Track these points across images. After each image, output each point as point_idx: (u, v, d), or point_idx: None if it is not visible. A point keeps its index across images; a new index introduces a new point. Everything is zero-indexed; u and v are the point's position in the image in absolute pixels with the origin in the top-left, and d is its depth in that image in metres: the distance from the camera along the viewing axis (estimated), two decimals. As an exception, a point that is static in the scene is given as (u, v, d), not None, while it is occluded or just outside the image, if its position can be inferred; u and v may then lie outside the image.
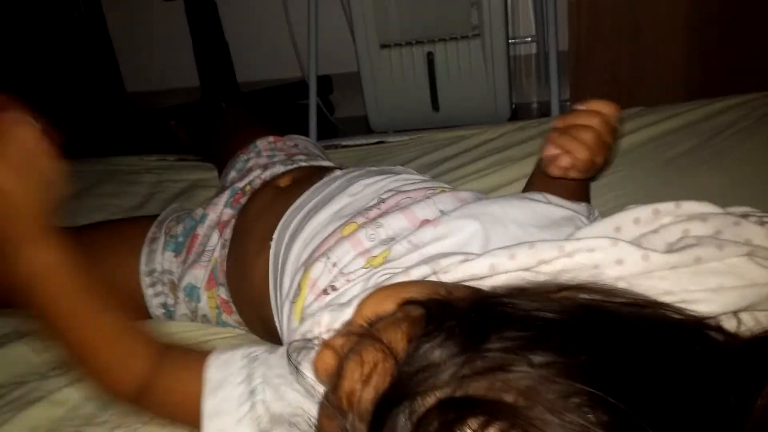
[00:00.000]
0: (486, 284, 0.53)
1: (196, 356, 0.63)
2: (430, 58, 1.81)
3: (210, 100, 2.24)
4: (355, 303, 0.55)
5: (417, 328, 0.41)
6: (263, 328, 0.81)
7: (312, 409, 0.57)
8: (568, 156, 0.68)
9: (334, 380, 0.42)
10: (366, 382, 0.40)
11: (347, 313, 0.56)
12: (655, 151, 1.16)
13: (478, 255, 0.57)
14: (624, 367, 0.36)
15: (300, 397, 0.58)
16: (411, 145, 1.39)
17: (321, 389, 0.57)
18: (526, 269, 0.54)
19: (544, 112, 2.30)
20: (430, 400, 0.36)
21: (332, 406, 0.40)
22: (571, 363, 0.36)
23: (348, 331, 0.47)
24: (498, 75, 1.80)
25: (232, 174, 1.06)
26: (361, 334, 0.44)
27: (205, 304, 0.89)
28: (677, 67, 1.72)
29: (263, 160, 1.04)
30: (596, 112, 0.70)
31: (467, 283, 0.53)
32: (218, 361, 0.62)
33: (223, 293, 0.88)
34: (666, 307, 0.44)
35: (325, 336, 0.56)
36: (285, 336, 0.70)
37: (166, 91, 2.49)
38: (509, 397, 0.35)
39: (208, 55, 2.23)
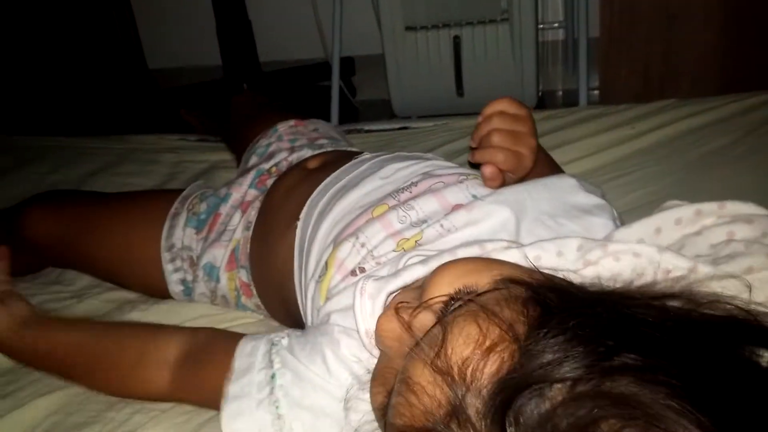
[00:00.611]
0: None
1: (230, 345, 0.65)
2: (456, 42, 1.77)
3: (232, 79, 2.22)
4: (405, 274, 0.55)
5: (533, 313, 0.40)
6: (285, 310, 0.81)
7: (336, 390, 0.57)
8: (489, 167, 0.68)
9: (435, 344, 0.41)
10: (485, 356, 0.38)
11: (394, 284, 0.54)
12: (690, 145, 1.13)
13: (523, 245, 0.56)
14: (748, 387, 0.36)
15: (320, 380, 0.59)
16: (436, 131, 1.37)
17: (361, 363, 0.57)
18: (572, 270, 0.52)
19: (569, 100, 2.26)
20: (562, 392, 0.35)
21: (441, 371, 0.39)
22: (698, 378, 0.35)
23: (446, 295, 0.46)
24: (526, 61, 1.76)
25: (254, 159, 1.05)
26: (469, 303, 0.42)
27: (224, 285, 0.88)
28: (711, 58, 1.67)
29: (286, 144, 1.03)
30: (491, 114, 0.69)
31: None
32: (245, 350, 0.64)
33: (243, 276, 0.87)
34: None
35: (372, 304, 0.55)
36: (309, 316, 0.70)
37: (187, 68, 2.47)
38: (645, 401, 0.34)
39: (231, 33, 2.21)
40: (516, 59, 1.77)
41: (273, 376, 0.61)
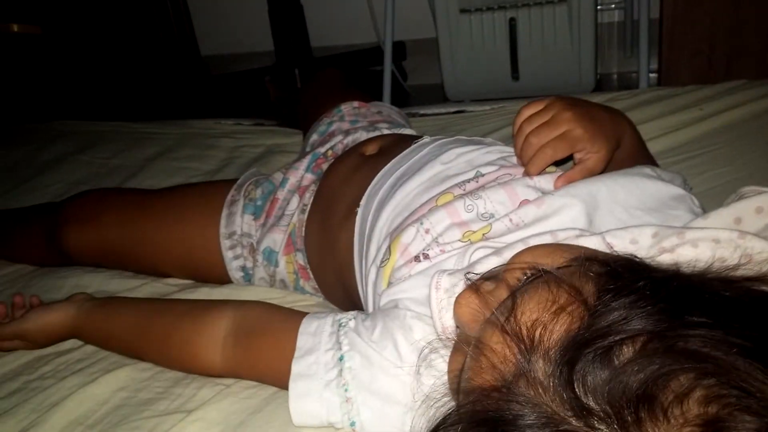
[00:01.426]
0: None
1: (289, 323, 0.66)
2: (512, 24, 1.74)
3: (283, 64, 2.23)
4: (478, 268, 0.54)
5: (604, 282, 0.40)
6: (343, 293, 0.81)
7: (406, 377, 0.57)
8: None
9: (506, 311, 0.41)
10: (554, 318, 0.38)
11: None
12: (762, 127, 1.09)
13: (595, 233, 0.54)
14: None
15: (390, 366, 0.58)
16: (492, 115, 1.35)
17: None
18: (648, 257, 0.50)
19: (625, 83, 2.20)
20: (631, 349, 0.35)
21: (511, 332, 0.39)
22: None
23: (524, 264, 0.46)
24: (584, 43, 1.72)
25: (314, 137, 1.05)
26: (542, 274, 0.43)
27: (283, 269, 0.89)
28: (781, 37, 1.59)
29: (345, 125, 1.03)
30: (519, 126, 0.69)
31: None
32: (309, 329, 0.64)
33: (300, 259, 0.87)
34: None
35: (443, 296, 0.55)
36: (370, 301, 0.70)
37: (240, 54, 2.49)
38: (718, 357, 0.34)
39: (283, 19, 2.21)
40: (574, 41, 1.73)
41: (341, 358, 0.61)
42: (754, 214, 0.53)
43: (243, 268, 0.92)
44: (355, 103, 1.07)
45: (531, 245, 0.51)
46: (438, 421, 0.42)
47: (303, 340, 0.63)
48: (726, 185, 0.95)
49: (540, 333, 0.38)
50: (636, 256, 0.46)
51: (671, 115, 1.16)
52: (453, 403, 0.45)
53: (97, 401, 0.72)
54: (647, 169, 0.66)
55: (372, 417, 0.59)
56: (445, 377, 0.50)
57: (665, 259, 0.50)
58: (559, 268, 0.44)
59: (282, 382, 0.64)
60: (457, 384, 0.45)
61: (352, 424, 0.60)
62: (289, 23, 2.22)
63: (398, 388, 0.58)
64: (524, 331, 0.39)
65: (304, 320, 0.65)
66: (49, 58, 2.29)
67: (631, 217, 0.61)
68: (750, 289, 0.40)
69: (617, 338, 0.35)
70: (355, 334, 0.61)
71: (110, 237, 0.96)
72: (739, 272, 0.43)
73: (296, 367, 0.62)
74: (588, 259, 0.44)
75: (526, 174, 0.68)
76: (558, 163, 0.70)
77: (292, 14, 2.22)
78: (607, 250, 0.51)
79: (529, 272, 0.45)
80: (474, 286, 0.48)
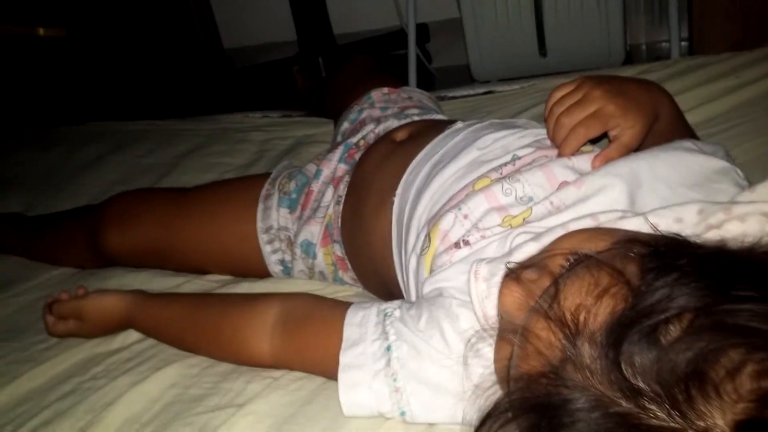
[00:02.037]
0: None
1: (335, 314, 0.66)
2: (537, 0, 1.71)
3: (307, 53, 2.23)
4: (516, 254, 0.54)
5: (648, 263, 0.40)
6: (381, 283, 0.81)
7: (454, 366, 0.57)
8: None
9: (549, 298, 0.41)
10: (597, 301, 0.39)
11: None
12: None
13: (638, 213, 0.54)
14: None
15: (438, 355, 0.59)
16: (522, 94, 1.33)
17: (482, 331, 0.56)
18: (694, 234, 0.50)
19: (655, 53, 2.15)
20: (678, 327, 0.35)
21: (555, 318, 0.39)
22: None
23: (566, 251, 0.46)
24: (612, 14, 1.68)
25: (345, 125, 1.05)
26: (584, 258, 0.43)
27: (321, 261, 0.89)
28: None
29: (376, 112, 1.03)
30: (550, 109, 0.68)
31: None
32: (355, 320, 0.64)
33: (338, 250, 0.88)
34: None
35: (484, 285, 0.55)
36: (412, 289, 0.70)
37: (262, 45, 2.49)
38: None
39: (305, 7, 2.21)
40: (601, 13, 1.70)
41: (388, 348, 0.61)
42: None
43: (282, 262, 0.92)
44: (385, 90, 1.07)
45: (570, 230, 0.51)
46: (489, 409, 0.42)
47: (349, 330, 0.64)
48: (766, 155, 0.93)
49: (584, 317, 0.38)
50: (679, 235, 0.45)
51: (706, 85, 1.14)
52: (502, 392, 0.45)
53: (150, 399, 0.74)
54: (688, 143, 0.64)
55: (422, 406, 0.59)
56: (493, 366, 0.50)
57: (712, 235, 0.49)
58: (600, 252, 0.44)
59: (329, 372, 0.65)
60: (505, 372, 0.45)
61: (403, 413, 0.60)
62: (310, 12, 2.22)
63: (447, 376, 0.58)
64: (568, 316, 0.39)
65: (349, 311, 0.66)
66: (76, 59, 2.32)
67: (674, 193, 0.60)
68: None
69: (663, 317, 0.35)
70: (401, 324, 0.62)
71: (149, 237, 0.97)
72: None
73: (344, 359, 0.62)
74: (629, 240, 0.43)
75: (561, 155, 0.67)
76: (594, 142, 0.69)
77: (313, 2, 2.21)
78: (651, 231, 0.50)
79: (570, 258, 0.45)
80: (515, 276, 0.48)
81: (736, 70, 1.16)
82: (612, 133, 0.66)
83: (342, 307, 0.68)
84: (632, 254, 0.41)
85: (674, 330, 0.35)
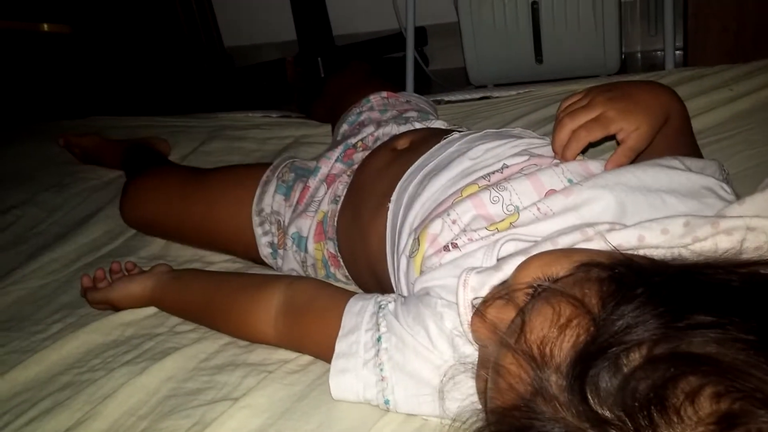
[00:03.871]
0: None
1: (336, 302, 0.69)
2: (534, 7, 1.73)
3: (306, 53, 2.24)
4: (506, 267, 0.55)
5: (606, 289, 0.41)
6: (376, 283, 0.82)
7: (439, 362, 0.59)
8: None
9: (516, 331, 0.43)
10: (561, 333, 0.40)
11: (496, 277, 0.55)
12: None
13: (626, 225, 0.55)
14: None
15: (423, 350, 0.61)
16: (518, 100, 1.34)
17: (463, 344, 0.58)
18: (680, 246, 0.51)
19: (649, 62, 2.18)
20: (637, 356, 0.36)
21: (522, 353, 0.41)
22: None
23: (526, 284, 0.47)
24: (608, 23, 1.70)
25: (344, 127, 1.07)
26: (546, 289, 0.44)
27: (312, 255, 0.92)
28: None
29: (375, 115, 1.04)
30: (561, 111, 0.70)
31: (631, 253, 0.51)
32: (354, 309, 0.67)
33: (331, 247, 0.90)
34: None
35: (472, 297, 0.56)
36: (404, 289, 0.72)
37: (262, 45, 2.50)
38: (720, 358, 0.35)
39: (305, 7, 2.22)
40: (597, 23, 1.72)
41: (379, 339, 0.63)
42: None
43: (271, 245, 0.95)
44: (384, 93, 1.09)
45: (534, 254, 0.52)
46: None
47: (347, 319, 0.67)
48: (759, 167, 0.95)
49: (549, 350, 0.40)
50: (636, 255, 0.47)
51: (700, 97, 1.15)
52: (481, 423, 0.47)
53: (147, 392, 0.75)
54: (675, 161, 0.65)
55: (405, 396, 0.62)
56: (470, 397, 0.52)
57: (699, 247, 0.51)
58: (561, 279, 0.46)
59: (327, 357, 0.67)
60: (483, 404, 0.47)
61: (387, 402, 0.62)
62: (311, 12, 2.23)
63: (430, 371, 0.60)
64: (535, 350, 0.40)
65: (351, 300, 0.68)
66: (79, 56, 2.33)
67: (665, 204, 0.61)
68: (757, 274, 0.41)
69: (622, 348, 0.36)
70: (392, 317, 0.64)
71: (158, 214, 1.06)
72: (747, 256, 0.44)
73: (339, 346, 0.65)
74: (589, 264, 0.45)
75: (564, 159, 0.68)
76: (589, 148, 0.70)
77: (313, 3, 2.23)
78: (638, 243, 0.52)
79: (533, 288, 0.46)
80: (479, 314, 0.50)
81: (730, 82, 1.18)
82: (618, 137, 0.67)
83: (344, 296, 0.71)
84: (591, 279, 0.43)
85: (635, 359, 0.36)
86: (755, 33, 1.61)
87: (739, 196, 0.61)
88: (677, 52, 1.83)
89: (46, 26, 2.23)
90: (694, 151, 0.77)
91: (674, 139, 0.72)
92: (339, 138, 1.06)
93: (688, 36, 1.70)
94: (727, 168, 0.70)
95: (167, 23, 2.43)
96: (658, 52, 2.17)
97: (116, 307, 0.92)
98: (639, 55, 2.24)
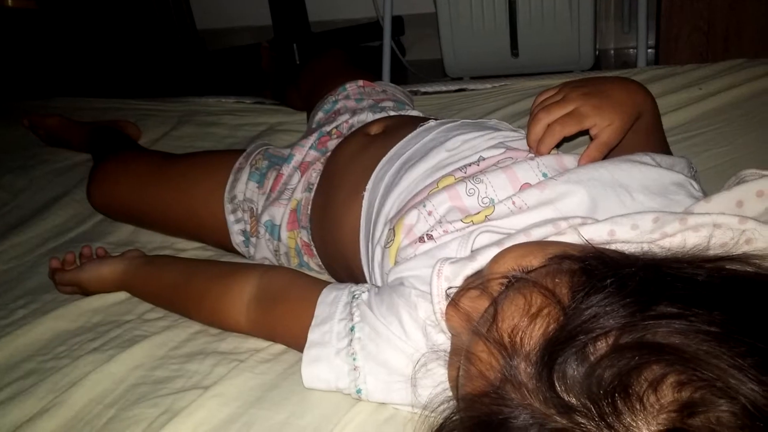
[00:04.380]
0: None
1: (310, 292, 0.69)
2: (511, 0, 1.74)
3: (282, 39, 2.22)
4: (480, 258, 0.56)
5: (577, 280, 0.42)
6: (348, 272, 0.82)
7: (411, 352, 0.60)
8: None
9: (488, 320, 0.43)
10: (531, 322, 0.41)
11: (470, 267, 0.56)
12: (763, 106, 1.10)
13: (598, 220, 0.56)
14: None
15: (396, 340, 0.61)
16: (494, 93, 1.35)
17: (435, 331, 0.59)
18: (649, 242, 0.52)
19: (622, 59, 2.21)
20: (604, 345, 0.37)
21: (493, 341, 0.42)
22: (740, 327, 0.36)
23: (501, 275, 0.48)
24: (583, 20, 1.72)
25: (320, 115, 1.07)
26: (518, 279, 0.45)
27: (285, 243, 0.91)
28: (780, 15, 1.60)
29: (351, 103, 1.04)
30: (536, 105, 0.71)
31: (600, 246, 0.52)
32: (327, 299, 0.67)
33: (304, 236, 0.89)
34: None
35: (448, 286, 0.56)
36: (377, 278, 0.72)
37: (237, 29, 2.47)
38: (684, 348, 0.36)
39: (281, -7, 2.20)
40: (573, 19, 1.73)
41: (352, 329, 0.63)
42: (755, 198, 0.54)
43: (244, 233, 0.94)
44: (360, 82, 1.08)
45: (508, 246, 0.53)
46: (437, 427, 0.45)
47: (321, 309, 0.66)
48: (726, 164, 0.97)
49: (520, 338, 0.41)
50: (608, 249, 0.48)
51: (671, 95, 1.17)
52: (451, 409, 0.47)
53: (114, 380, 0.74)
54: (646, 158, 0.66)
55: (377, 386, 0.62)
56: (442, 385, 0.53)
57: (666, 243, 0.52)
58: (533, 270, 0.47)
59: (299, 347, 0.67)
60: (455, 391, 0.47)
61: (359, 391, 0.63)
62: (287, -3, 2.20)
63: (403, 360, 0.60)
64: (506, 338, 0.41)
65: (324, 290, 0.68)
66: (45, 33, 2.27)
67: (634, 201, 0.62)
68: (722, 269, 0.43)
69: (589, 336, 0.37)
70: (366, 307, 0.64)
71: (127, 199, 1.04)
72: (714, 252, 0.46)
73: (312, 335, 0.65)
74: (562, 257, 0.46)
75: (538, 153, 0.69)
76: (562, 144, 0.71)
77: (289, -12, 2.20)
78: (609, 238, 0.53)
79: (507, 279, 0.47)
80: (454, 303, 0.50)
81: (699, 81, 1.20)
82: (591, 133, 0.68)
83: (318, 285, 0.71)
84: (564, 271, 0.44)
85: (601, 348, 0.37)
86: (725, 34, 1.64)
87: (706, 193, 0.62)
88: (649, 50, 1.86)
89: (10, 1, 2.17)
90: (664, 148, 0.79)
91: (646, 136, 0.73)
92: (314, 126, 1.06)
93: (660, 35, 1.72)
94: (695, 165, 0.71)
95: (137, 1, 2.38)
96: (631, 50, 2.20)
97: (85, 291, 0.90)
98: (612, 52, 2.27)
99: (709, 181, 0.69)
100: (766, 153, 0.97)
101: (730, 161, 0.98)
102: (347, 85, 1.08)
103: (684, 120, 1.11)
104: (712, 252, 0.46)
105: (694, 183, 0.65)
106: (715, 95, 1.15)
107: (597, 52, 1.90)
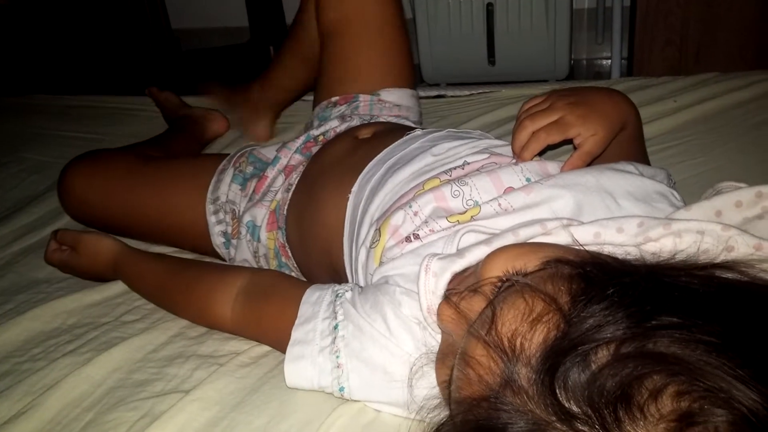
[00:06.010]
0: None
1: (295, 291, 0.69)
2: (489, 9, 1.76)
3: (258, 41, 2.20)
4: (468, 255, 0.56)
5: (576, 287, 0.42)
6: (328, 273, 0.82)
7: (395, 349, 0.60)
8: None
9: (486, 322, 0.43)
10: (532, 327, 0.41)
11: (459, 264, 0.56)
12: (736, 119, 1.13)
13: (583, 222, 0.57)
14: None
15: (380, 337, 0.61)
16: (473, 101, 1.36)
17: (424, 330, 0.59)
18: (633, 245, 0.53)
19: (595, 69, 2.24)
20: (606, 354, 0.37)
21: (493, 345, 0.41)
22: (738, 337, 0.37)
23: (496, 277, 0.48)
24: (559, 30, 1.75)
25: (316, 123, 1.04)
26: (517, 283, 0.45)
27: (265, 245, 0.91)
28: (749, 31, 1.64)
29: (348, 111, 1.03)
30: (523, 113, 0.71)
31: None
32: (311, 298, 0.67)
33: (281, 237, 0.89)
34: None
35: (433, 284, 0.56)
36: (360, 279, 0.72)
37: (212, 29, 2.45)
38: (685, 358, 0.36)
39: (258, -6, 2.19)
40: (549, 29, 1.76)
41: (336, 327, 0.64)
42: (734, 208, 0.56)
43: (225, 234, 0.94)
44: (378, 98, 1.03)
45: (501, 246, 0.53)
46: (432, 430, 0.45)
47: (304, 308, 0.67)
48: (700, 176, 0.99)
49: (520, 343, 0.41)
50: (602, 254, 0.48)
51: (646, 106, 1.19)
52: (445, 413, 0.47)
53: (92, 383, 0.72)
54: (630, 167, 0.68)
55: (360, 383, 0.62)
56: (430, 385, 0.53)
57: (650, 248, 0.53)
58: (531, 273, 0.47)
59: (282, 345, 0.67)
60: (447, 394, 0.47)
61: (341, 389, 0.63)
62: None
63: (386, 358, 0.60)
64: (505, 342, 0.41)
65: (308, 290, 0.69)
66: (16, 29, 2.22)
67: (619, 206, 0.63)
68: (714, 276, 0.43)
69: (592, 345, 0.38)
70: (350, 305, 0.64)
71: (102, 205, 0.99)
72: (704, 260, 0.46)
73: (295, 334, 0.65)
74: (560, 261, 0.46)
75: (522, 159, 0.70)
76: (545, 152, 0.72)
77: (267, -10, 2.19)
78: (594, 240, 0.54)
79: (505, 280, 0.47)
80: (450, 302, 0.50)
81: (673, 93, 1.22)
82: (575, 142, 0.69)
83: (303, 285, 0.71)
84: (562, 276, 0.44)
85: (603, 356, 0.37)
86: (697, 48, 1.68)
87: (685, 202, 0.64)
88: (623, 61, 1.89)
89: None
90: (645, 159, 0.81)
91: (628, 146, 0.74)
92: (315, 123, 1.04)
93: (634, 47, 1.76)
94: (673, 177, 0.73)
95: None
96: (603, 61, 2.24)
97: (75, 259, 0.91)
98: (584, 62, 2.30)
99: (684, 192, 0.71)
100: (740, 165, 1.00)
101: (705, 172, 1.00)
102: (360, 96, 1.02)
103: (659, 131, 1.13)
104: (701, 259, 0.46)
105: (675, 193, 0.66)
106: (689, 108, 1.17)
107: (572, 62, 1.93)
